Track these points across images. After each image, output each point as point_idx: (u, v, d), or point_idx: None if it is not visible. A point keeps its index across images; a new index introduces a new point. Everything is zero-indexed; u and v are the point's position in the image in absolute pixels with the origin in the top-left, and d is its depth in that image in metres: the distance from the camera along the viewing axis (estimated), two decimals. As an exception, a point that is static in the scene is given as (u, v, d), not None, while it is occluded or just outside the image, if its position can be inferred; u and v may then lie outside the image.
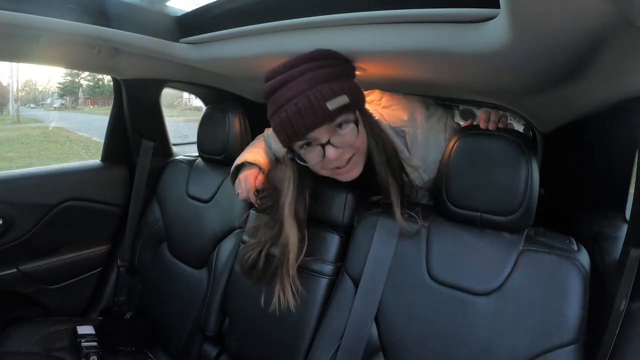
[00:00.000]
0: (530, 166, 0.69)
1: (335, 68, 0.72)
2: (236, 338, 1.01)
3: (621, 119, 0.84)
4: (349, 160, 0.78)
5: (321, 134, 0.73)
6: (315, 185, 0.89)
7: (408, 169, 0.86)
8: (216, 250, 1.13)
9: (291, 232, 0.84)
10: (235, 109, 1.25)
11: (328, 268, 0.88)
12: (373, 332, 0.79)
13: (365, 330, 0.78)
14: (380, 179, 0.83)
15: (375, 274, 0.80)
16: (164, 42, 1.07)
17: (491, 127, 0.75)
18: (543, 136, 1.21)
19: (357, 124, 0.76)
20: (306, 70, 0.70)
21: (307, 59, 0.72)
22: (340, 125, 0.74)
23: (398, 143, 0.84)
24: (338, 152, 0.74)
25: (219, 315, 1.05)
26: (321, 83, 0.69)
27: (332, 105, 0.68)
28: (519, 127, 1.39)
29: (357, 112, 0.76)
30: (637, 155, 0.84)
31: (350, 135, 0.75)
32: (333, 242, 0.90)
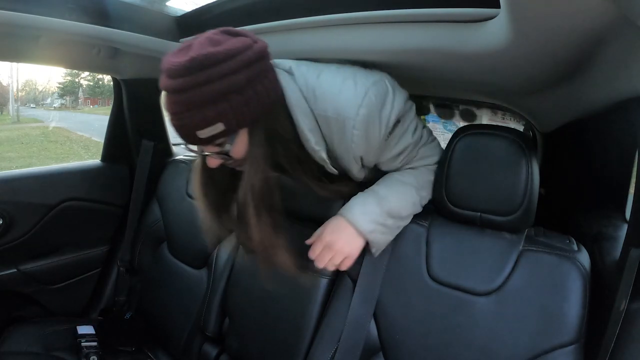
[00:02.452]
0: (531, 166, 0.69)
1: (216, 85, 0.59)
2: (236, 338, 1.01)
3: (621, 118, 0.84)
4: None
5: (200, 147, 0.70)
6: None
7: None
8: (216, 250, 1.13)
9: None
10: None
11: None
12: (373, 331, 0.79)
13: (363, 330, 0.78)
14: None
15: (371, 273, 0.80)
16: (164, 42, 1.07)
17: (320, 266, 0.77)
18: (543, 136, 1.21)
19: (243, 137, 0.68)
20: (182, 89, 0.60)
21: (187, 70, 0.59)
22: (220, 144, 0.67)
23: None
24: (217, 162, 0.71)
25: (219, 315, 1.05)
26: (194, 109, 0.60)
27: (203, 134, 0.62)
28: (519, 127, 1.39)
29: (249, 127, 0.67)
30: (637, 155, 0.84)
31: (232, 151, 0.69)
32: (333, 242, 0.89)
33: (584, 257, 0.68)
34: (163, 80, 0.62)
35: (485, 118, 1.53)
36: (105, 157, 1.46)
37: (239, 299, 1.01)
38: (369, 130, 0.70)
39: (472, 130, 0.75)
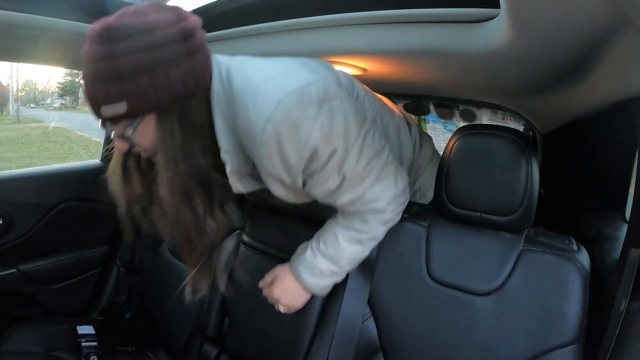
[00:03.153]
0: (530, 166, 0.69)
1: (124, 60, 0.54)
2: (236, 338, 1.01)
3: (621, 119, 0.84)
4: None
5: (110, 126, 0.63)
6: None
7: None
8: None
9: None
10: None
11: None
12: (373, 331, 0.79)
13: (355, 326, 0.78)
14: None
15: (360, 271, 0.80)
16: (164, 42, 1.07)
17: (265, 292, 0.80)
18: (543, 136, 1.21)
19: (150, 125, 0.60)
20: (90, 57, 0.56)
21: (98, 38, 0.56)
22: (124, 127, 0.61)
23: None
24: (124, 147, 0.65)
25: (219, 315, 1.05)
26: (99, 82, 0.55)
27: (106, 112, 0.57)
28: (519, 127, 1.39)
29: (157, 113, 0.59)
30: (637, 155, 0.84)
31: (136, 137, 0.62)
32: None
33: (584, 257, 0.68)
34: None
35: (485, 118, 1.53)
36: (105, 157, 1.46)
37: (239, 298, 1.01)
38: (281, 152, 0.58)
39: (472, 130, 0.75)
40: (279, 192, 0.67)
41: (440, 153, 0.84)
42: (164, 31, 0.55)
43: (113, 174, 0.76)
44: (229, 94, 0.60)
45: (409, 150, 0.90)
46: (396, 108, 0.93)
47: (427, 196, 0.94)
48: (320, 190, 0.66)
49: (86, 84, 0.57)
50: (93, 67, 0.56)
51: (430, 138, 1.03)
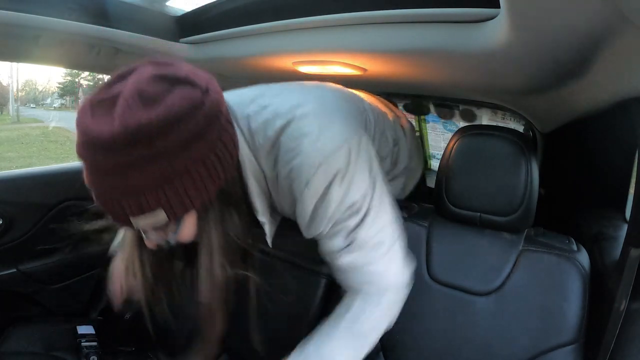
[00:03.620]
0: (530, 166, 0.69)
1: (153, 166, 0.44)
2: (236, 338, 1.01)
3: (621, 118, 0.84)
4: None
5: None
6: None
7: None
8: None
9: None
10: None
11: (328, 268, 0.88)
12: (373, 332, 0.79)
13: None
14: None
15: None
16: (164, 42, 1.07)
17: None
18: (543, 136, 1.21)
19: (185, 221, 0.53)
20: (106, 170, 0.45)
21: (111, 146, 0.43)
22: (162, 229, 0.53)
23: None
24: (155, 243, 0.58)
25: (219, 315, 1.05)
26: (124, 196, 0.45)
27: (139, 222, 0.48)
28: (519, 127, 1.39)
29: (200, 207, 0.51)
30: (637, 155, 0.84)
31: (178, 236, 0.55)
32: (333, 242, 0.89)
33: (584, 257, 0.68)
34: (80, 149, 0.47)
35: (485, 118, 1.53)
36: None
37: (240, 298, 1.00)
38: (322, 199, 0.56)
39: (472, 131, 0.75)
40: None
41: (441, 153, 0.84)
42: (195, 117, 0.45)
43: (128, 270, 0.68)
44: (255, 150, 0.58)
45: (405, 157, 0.91)
46: (390, 111, 0.93)
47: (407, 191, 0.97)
48: (326, 245, 0.63)
49: (101, 196, 0.48)
50: (111, 180, 0.45)
51: (417, 139, 1.03)
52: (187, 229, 0.53)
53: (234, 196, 0.56)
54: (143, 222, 0.48)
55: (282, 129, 0.56)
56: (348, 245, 0.60)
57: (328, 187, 0.55)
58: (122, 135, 0.42)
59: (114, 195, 0.46)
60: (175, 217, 0.49)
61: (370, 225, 0.59)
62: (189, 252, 0.59)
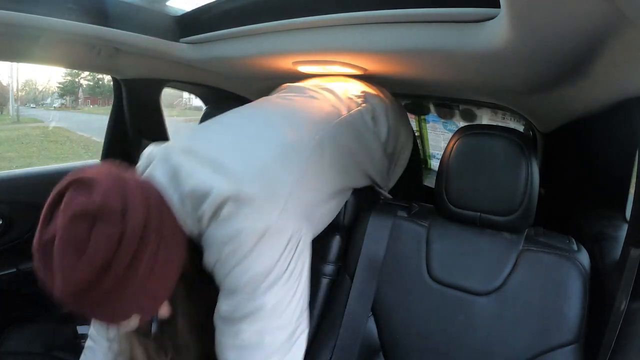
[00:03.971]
0: (530, 166, 0.69)
1: (108, 299, 0.50)
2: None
3: (621, 118, 0.84)
4: None
5: None
6: None
7: None
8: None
9: None
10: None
11: (329, 268, 0.88)
12: (373, 331, 0.79)
13: (359, 327, 0.78)
14: None
15: (367, 272, 0.80)
16: (164, 42, 1.07)
17: None
18: (543, 136, 1.21)
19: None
20: (74, 297, 0.49)
21: (64, 296, 0.48)
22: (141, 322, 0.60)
23: None
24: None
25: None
26: (97, 313, 0.54)
27: (118, 326, 0.57)
28: (519, 127, 1.39)
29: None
30: (637, 155, 0.84)
31: (156, 324, 0.62)
32: (334, 242, 0.89)
33: (584, 257, 0.68)
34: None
35: (485, 118, 1.53)
36: (105, 156, 1.46)
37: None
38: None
39: (472, 130, 0.75)
40: None
41: (441, 153, 0.84)
42: (123, 251, 0.48)
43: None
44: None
45: (393, 140, 0.92)
46: (379, 93, 0.94)
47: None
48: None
49: (79, 311, 0.53)
50: (83, 310, 0.52)
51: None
52: (163, 312, 0.60)
53: (193, 270, 0.59)
54: (122, 326, 0.56)
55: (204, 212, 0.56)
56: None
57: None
58: (68, 290, 0.48)
59: (86, 312, 0.54)
60: (151, 313, 0.57)
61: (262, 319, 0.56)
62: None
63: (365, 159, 0.82)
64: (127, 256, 0.48)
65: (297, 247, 0.59)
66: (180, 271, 0.56)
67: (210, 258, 0.57)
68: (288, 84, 0.91)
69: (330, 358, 0.78)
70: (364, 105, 0.85)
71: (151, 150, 0.64)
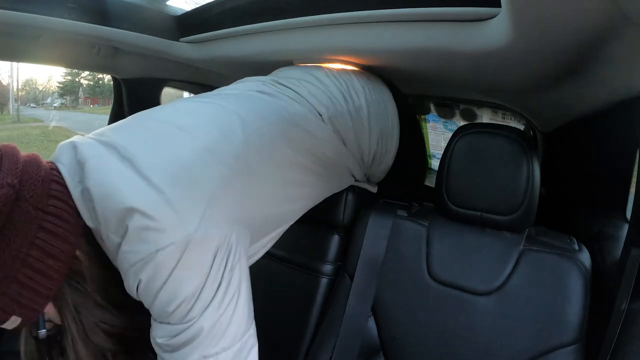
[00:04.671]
0: (532, 165, 0.69)
1: None
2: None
3: (622, 118, 0.83)
4: None
5: None
6: None
7: None
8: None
9: None
10: None
11: (328, 268, 0.88)
12: (373, 331, 0.79)
13: (360, 327, 0.78)
14: None
15: (367, 271, 0.80)
16: (164, 41, 1.07)
17: None
18: (543, 135, 1.21)
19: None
20: None
21: None
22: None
23: None
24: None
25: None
26: None
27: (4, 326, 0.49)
28: (520, 127, 1.39)
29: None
30: (638, 155, 0.84)
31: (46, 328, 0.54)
32: (333, 242, 0.89)
33: (585, 257, 0.68)
34: None
35: (485, 117, 1.53)
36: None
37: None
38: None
39: (472, 129, 0.75)
40: None
41: (441, 153, 0.84)
42: (7, 186, 0.42)
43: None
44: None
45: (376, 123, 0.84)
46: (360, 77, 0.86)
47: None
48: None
49: None
50: None
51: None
52: (50, 314, 0.52)
53: (92, 270, 0.51)
54: (7, 326, 0.49)
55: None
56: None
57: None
58: None
59: None
60: (31, 319, 0.50)
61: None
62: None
63: (318, 158, 0.72)
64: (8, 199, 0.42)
65: (228, 257, 0.51)
66: (67, 267, 0.48)
67: (130, 286, 0.49)
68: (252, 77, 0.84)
69: (330, 358, 0.78)
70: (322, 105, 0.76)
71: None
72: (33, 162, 0.48)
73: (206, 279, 0.49)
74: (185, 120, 0.59)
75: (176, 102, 0.69)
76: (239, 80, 0.83)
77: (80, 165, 0.49)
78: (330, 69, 0.85)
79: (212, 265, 0.49)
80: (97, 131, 0.57)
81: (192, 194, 0.50)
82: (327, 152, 0.74)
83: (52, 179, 0.48)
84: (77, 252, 0.49)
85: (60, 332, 0.54)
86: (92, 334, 0.52)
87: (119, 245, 0.48)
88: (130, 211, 0.46)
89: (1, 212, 0.42)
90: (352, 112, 0.80)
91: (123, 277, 0.50)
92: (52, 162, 0.52)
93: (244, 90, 0.74)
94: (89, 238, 0.51)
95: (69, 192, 0.49)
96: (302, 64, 0.95)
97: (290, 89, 0.76)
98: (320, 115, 0.75)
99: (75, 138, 0.55)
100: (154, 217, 0.46)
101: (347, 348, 0.78)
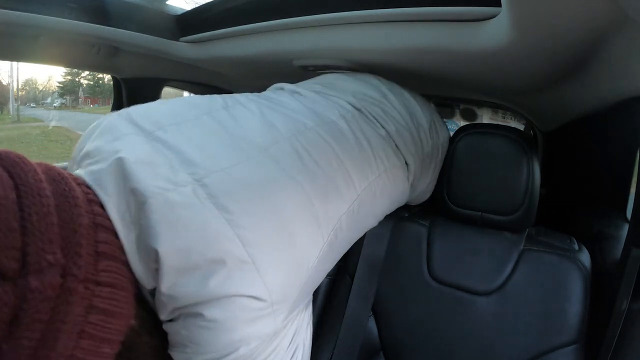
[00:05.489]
0: (532, 165, 0.69)
1: None
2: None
3: (622, 118, 0.83)
4: None
5: None
6: None
7: None
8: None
9: None
10: None
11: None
12: (373, 331, 0.78)
13: (360, 326, 0.78)
14: None
15: (367, 271, 0.80)
16: (164, 41, 1.07)
17: None
18: (544, 135, 1.21)
19: None
20: None
21: None
22: None
23: None
24: None
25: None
26: None
27: None
28: (520, 127, 1.39)
29: None
30: (638, 154, 0.84)
31: None
32: (333, 241, 0.89)
33: (585, 257, 0.68)
34: None
35: (486, 117, 1.53)
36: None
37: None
38: None
39: (473, 130, 0.75)
40: None
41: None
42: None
43: None
44: None
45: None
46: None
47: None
48: None
49: None
50: None
51: None
52: None
53: (140, 340, 0.39)
54: None
55: None
56: None
57: None
58: None
59: None
60: None
61: None
62: None
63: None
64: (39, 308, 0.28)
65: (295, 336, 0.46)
66: (122, 339, 0.35)
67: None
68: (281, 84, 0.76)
69: (331, 358, 0.78)
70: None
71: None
72: (66, 195, 0.32)
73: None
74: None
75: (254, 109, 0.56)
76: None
77: (135, 198, 0.36)
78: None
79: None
80: (143, 120, 0.45)
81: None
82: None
83: (97, 222, 0.34)
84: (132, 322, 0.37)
85: None
86: None
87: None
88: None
89: (49, 299, 0.28)
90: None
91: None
92: (84, 183, 0.37)
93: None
94: (139, 298, 0.38)
95: (119, 241, 0.36)
96: (302, 63, 0.94)
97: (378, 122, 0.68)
98: (407, 166, 0.71)
99: (121, 143, 0.40)
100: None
101: (348, 348, 0.78)
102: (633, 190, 0.84)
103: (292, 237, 0.42)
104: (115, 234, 0.35)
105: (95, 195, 0.36)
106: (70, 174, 0.37)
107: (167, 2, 1.06)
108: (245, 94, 0.64)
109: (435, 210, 0.81)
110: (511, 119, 1.46)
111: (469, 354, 0.69)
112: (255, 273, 0.37)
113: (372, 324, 0.79)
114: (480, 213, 0.72)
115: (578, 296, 0.64)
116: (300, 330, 0.47)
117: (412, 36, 0.67)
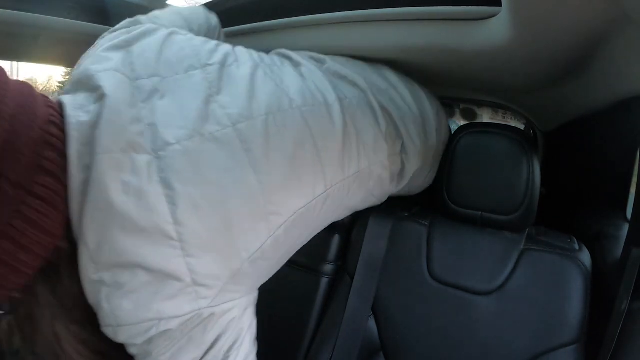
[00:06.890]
0: (532, 164, 0.69)
1: None
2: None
3: (622, 117, 0.83)
4: None
5: None
6: None
7: None
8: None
9: None
10: None
11: (328, 267, 0.88)
12: (373, 331, 0.79)
13: (360, 326, 0.78)
14: None
15: (367, 271, 0.80)
16: (164, 41, 1.07)
17: None
18: (544, 135, 1.21)
19: None
20: None
21: None
22: None
23: None
24: None
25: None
26: None
27: None
28: (520, 126, 1.39)
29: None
30: (638, 154, 0.84)
31: None
32: (333, 241, 0.89)
33: (585, 257, 0.68)
34: None
35: (486, 117, 1.53)
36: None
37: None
38: None
39: (473, 129, 0.75)
40: None
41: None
42: None
43: None
44: None
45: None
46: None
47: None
48: None
49: None
50: None
51: None
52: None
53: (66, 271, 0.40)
54: None
55: None
56: None
57: None
58: None
59: None
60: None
61: None
62: None
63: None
64: None
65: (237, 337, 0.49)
66: (44, 255, 0.37)
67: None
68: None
69: (331, 357, 0.78)
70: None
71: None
72: (26, 109, 0.35)
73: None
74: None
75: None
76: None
77: (91, 150, 0.37)
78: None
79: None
80: (138, 59, 0.46)
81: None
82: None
83: (47, 140, 0.36)
84: (59, 244, 0.38)
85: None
86: (66, 343, 0.41)
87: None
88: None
89: None
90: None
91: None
92: (53, 105, 0.39)
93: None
94: (71, 235, 0.39)
95: (65, 165, 0.37)
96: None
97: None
98: (405, 158, 0.70)
99: (101, 64, 0.43)
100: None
101: (348, 348, 0.78)
102: (633, 190, 0.84)
103: (231, 225, 0.42)
104: (64, 156, 0.37)
105: (60, 119, 0.38)
106: (46, 96, 0.39)
107: (167, 2, 1.06)
108: (251, 50, 0.61)
109: (435, 210, 0.81)
110: (511, 118, 1.46)
111: (469, 353, 0.69)
112: (179, 251, 0.38)
113: (372, 323, 0.79)
114: (480, 213, 0.72)
115: (578, 296, 0.64)
116: (239, 323, 0.49)
117: (412, 35, 0.66)
